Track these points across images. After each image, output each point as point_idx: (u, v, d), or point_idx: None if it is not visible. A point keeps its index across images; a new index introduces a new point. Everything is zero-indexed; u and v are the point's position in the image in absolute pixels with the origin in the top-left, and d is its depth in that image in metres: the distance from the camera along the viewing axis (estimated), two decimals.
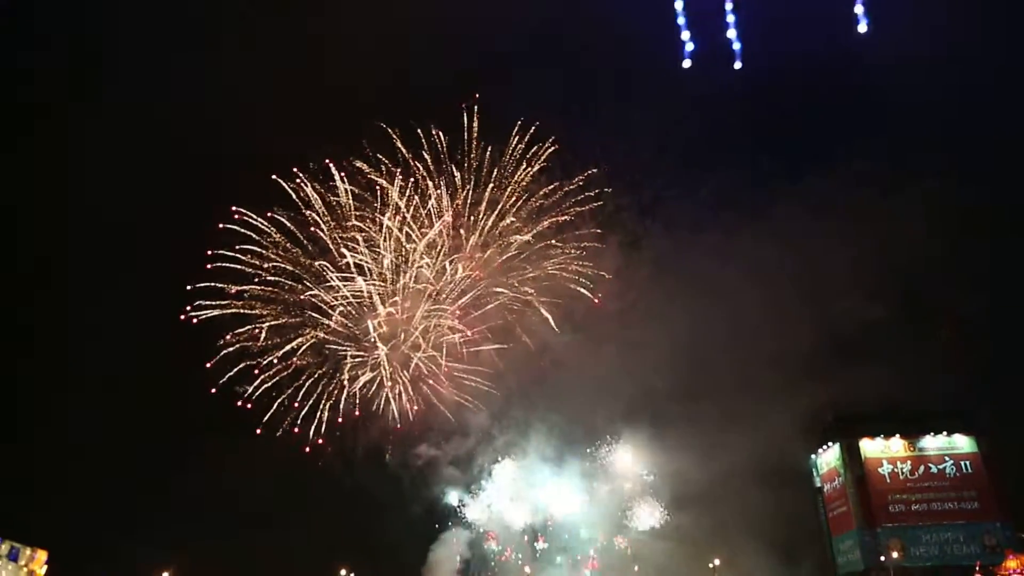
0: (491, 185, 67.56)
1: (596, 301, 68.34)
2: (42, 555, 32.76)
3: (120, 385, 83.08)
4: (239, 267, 65.36)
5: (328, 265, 66.44)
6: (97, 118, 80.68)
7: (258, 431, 66.52)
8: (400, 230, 66.76)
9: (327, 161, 65.76)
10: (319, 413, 67.35)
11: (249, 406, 65.78)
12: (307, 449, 67.24)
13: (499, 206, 68.32)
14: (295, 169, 65.66)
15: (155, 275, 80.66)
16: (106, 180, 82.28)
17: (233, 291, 65.30)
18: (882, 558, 65.05)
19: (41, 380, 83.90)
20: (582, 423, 72.53)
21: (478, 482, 72.47)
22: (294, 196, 65.65)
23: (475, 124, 66.86)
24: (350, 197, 66.19)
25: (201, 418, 74.65)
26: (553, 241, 68.93)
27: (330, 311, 66.99)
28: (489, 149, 67.29)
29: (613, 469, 72.41)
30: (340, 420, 67.67)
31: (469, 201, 67.99)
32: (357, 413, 68.06)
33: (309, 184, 65.74)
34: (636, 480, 72.03)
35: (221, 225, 65.28)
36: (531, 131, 67.22)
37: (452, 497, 73.29)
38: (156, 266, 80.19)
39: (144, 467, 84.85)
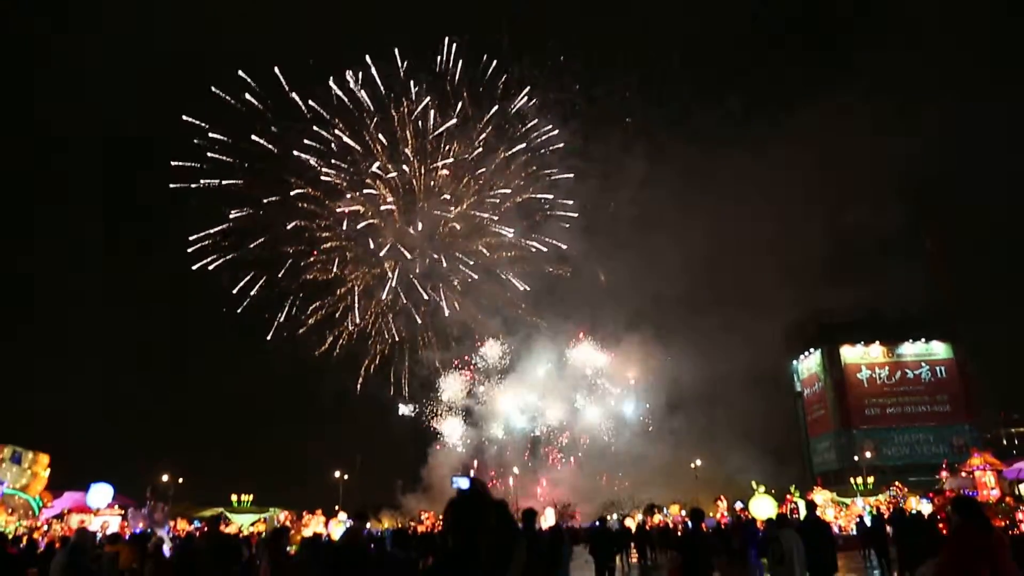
0: (522, 98, 67.15)
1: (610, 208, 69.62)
2: (44, 458, 33.51)
3: (124, 286, 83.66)
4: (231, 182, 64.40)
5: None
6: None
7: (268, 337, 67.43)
8: (414, 139, 66.13)
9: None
10: (322, 315, 68.26)
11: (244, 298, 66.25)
12: (317, 353, 68.23)
13: (523, 118, 68.15)
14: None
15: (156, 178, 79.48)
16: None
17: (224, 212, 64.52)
18: (855, 458, 67.87)
19: (43, 281, 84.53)
20: (587, 327, 74.44)
21: (484, 384, 73.79)
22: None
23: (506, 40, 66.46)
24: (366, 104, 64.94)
25: (209, 321, 75.46)
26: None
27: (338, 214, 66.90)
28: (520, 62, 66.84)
29: (611, 374, 74.42)
30: (354, 325, 68.57)
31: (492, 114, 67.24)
32: (367, 319, 69.10)
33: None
34: (629, 382, 74.08)
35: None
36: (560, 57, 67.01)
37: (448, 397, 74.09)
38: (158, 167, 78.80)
39: (149, 369, 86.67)
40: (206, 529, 13.19)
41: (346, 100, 65.02)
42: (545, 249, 70.70)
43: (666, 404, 70.92)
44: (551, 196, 70.19)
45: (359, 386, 70.32)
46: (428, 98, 65.20)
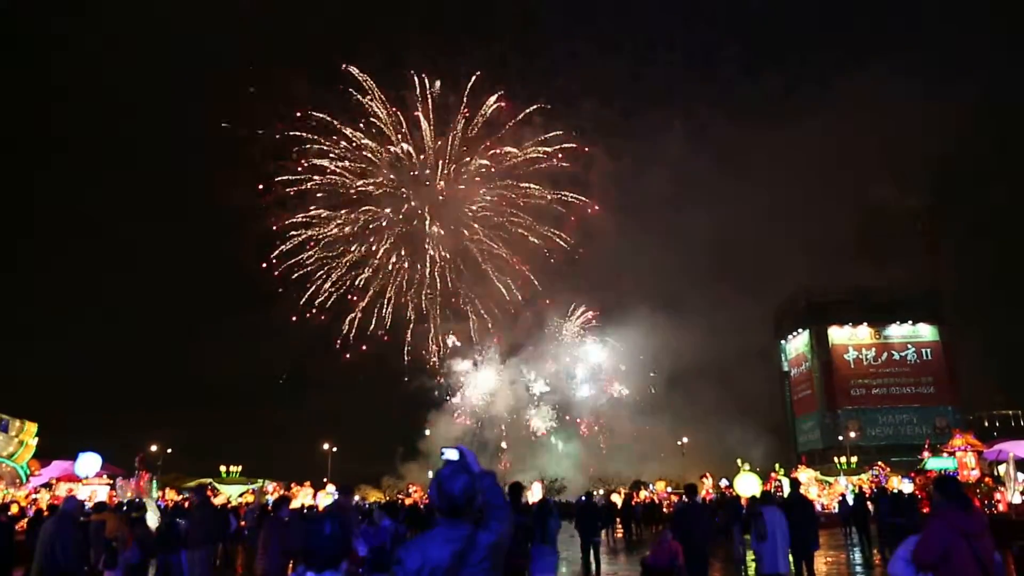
0: None
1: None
2: (32, 426, 33.32)
3: (124, 253, 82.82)
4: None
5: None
6: None
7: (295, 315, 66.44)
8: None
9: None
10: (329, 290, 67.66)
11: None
12: (312, 315, 67.43)
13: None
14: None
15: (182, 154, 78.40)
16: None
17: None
18: (840, 438, 68.69)
19: (41, 248, 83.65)
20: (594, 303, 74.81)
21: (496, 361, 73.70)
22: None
23: None
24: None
25: (210, 293, 74.77)
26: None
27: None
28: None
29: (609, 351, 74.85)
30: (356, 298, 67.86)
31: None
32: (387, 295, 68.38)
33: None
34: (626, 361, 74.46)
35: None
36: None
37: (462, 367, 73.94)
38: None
39: (143, 340, 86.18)
40: (194, 498, 13.15)
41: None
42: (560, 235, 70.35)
43: (664, 381, 71.43)
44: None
45: (366, 355, 69.59)
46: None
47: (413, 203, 67.33)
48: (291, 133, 63.68)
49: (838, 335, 77.19)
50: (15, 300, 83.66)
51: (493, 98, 65.42)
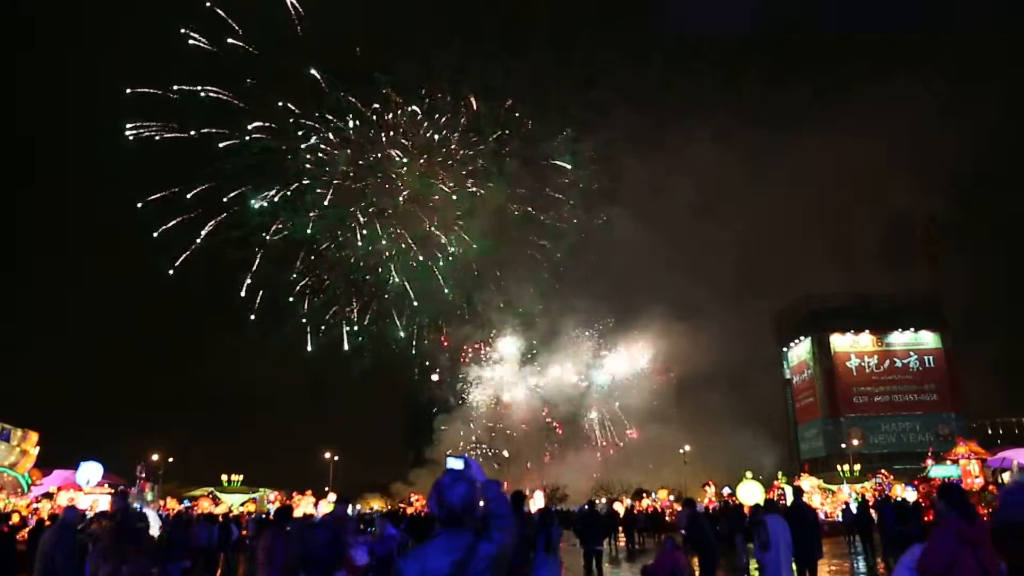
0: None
1: None
2: (33, 436, 33.39)
3: (121, 265, 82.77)
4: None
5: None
6: None
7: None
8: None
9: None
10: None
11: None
12: (321, 324, 66.71)
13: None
14: None
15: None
16: None
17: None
18: (843, 445, 68.44)
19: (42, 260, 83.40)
20: (601, 309, 74.87)
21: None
22: None
23: None
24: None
25: (209, 304, 74.33)
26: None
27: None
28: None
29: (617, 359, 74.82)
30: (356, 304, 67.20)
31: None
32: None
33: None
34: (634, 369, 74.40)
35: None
36: None
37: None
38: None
39: (144, 349, 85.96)
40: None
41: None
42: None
43: (673, 389, 71.38)
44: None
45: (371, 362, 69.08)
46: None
47: (433, 213, 66.90)
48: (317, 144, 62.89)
49: (840, 342, 76.95)
50: (14, 305, 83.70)
51: (520, 109, 65.10)
